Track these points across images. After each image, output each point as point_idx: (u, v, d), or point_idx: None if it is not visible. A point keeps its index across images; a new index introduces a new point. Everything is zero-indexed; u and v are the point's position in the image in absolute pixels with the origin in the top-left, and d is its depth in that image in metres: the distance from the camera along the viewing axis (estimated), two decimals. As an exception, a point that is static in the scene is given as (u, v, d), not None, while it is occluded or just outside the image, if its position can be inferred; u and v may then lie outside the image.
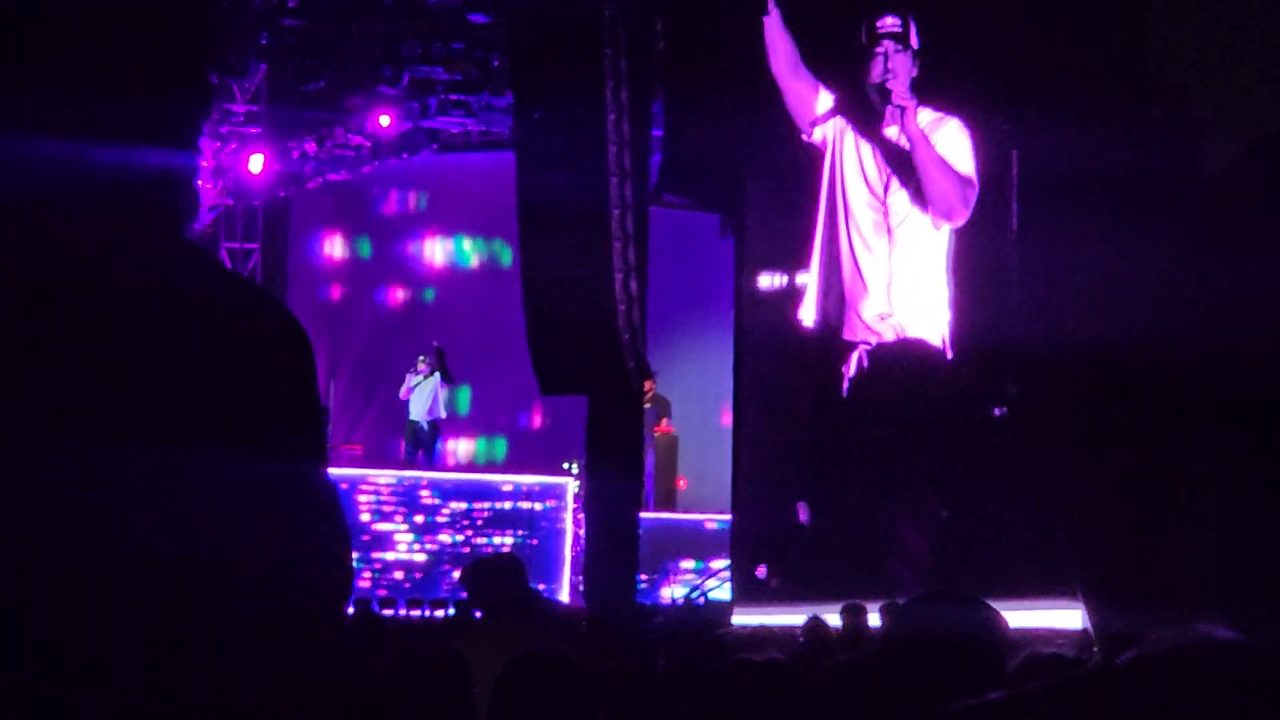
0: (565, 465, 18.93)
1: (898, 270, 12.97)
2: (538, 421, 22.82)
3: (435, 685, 4.43)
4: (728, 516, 18.41)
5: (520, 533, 17.97)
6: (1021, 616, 9.97)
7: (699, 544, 18.34)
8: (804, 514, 13.67)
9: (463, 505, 18.11)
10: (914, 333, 12.87)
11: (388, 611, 16.07)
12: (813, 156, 13.58)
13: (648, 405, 19.82)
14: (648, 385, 19.39)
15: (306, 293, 23.60)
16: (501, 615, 7.38)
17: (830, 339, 13.37)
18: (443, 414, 20.95)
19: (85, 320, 1.54)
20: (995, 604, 3.68)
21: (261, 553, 1.57)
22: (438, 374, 20.84)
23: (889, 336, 12.99)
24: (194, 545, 1.53)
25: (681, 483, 20.68)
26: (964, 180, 12.69)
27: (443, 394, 20.97)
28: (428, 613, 16.69)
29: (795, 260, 14.00)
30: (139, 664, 1.50)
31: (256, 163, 21.24)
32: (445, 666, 4.50)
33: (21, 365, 1.50)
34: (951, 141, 12.83)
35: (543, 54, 15.10)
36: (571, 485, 18.32)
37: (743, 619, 13.78)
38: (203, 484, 1.54)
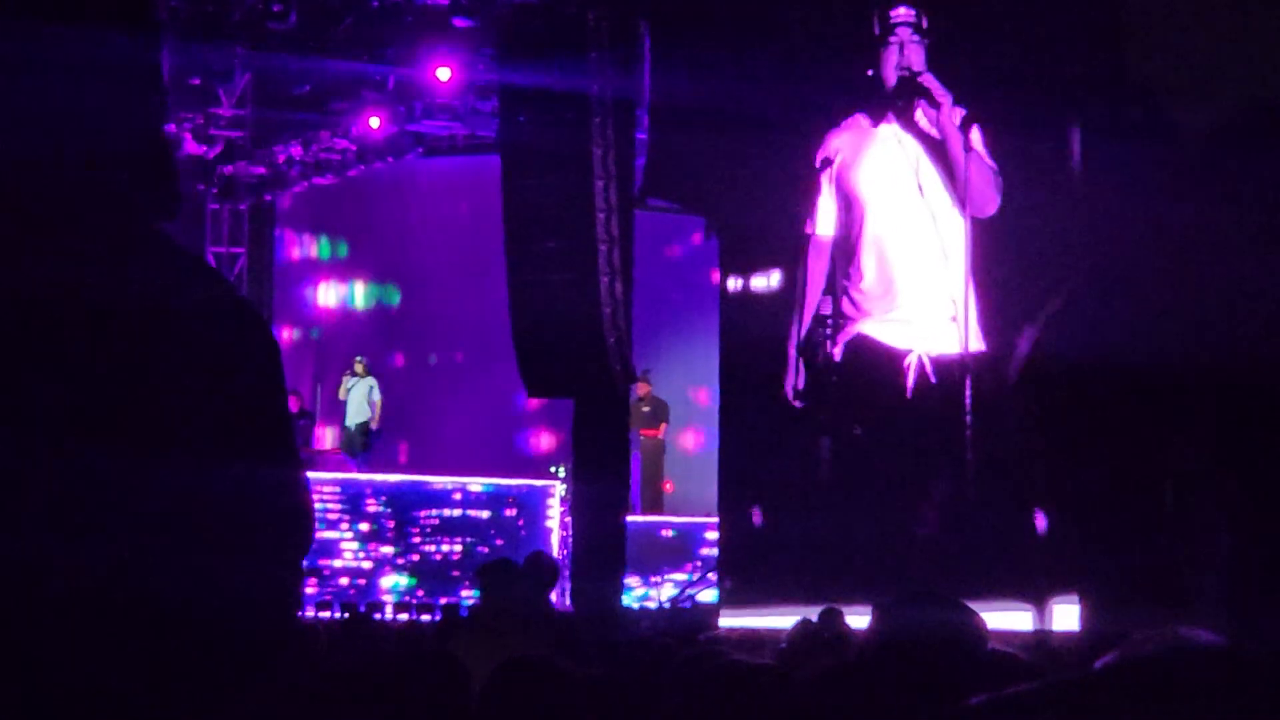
0: (552, 469, 18.89)
1: (953, 271, 12.57)
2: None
3: (430, 688, 4.42)
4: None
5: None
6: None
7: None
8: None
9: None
10: (973, 333, 12.52)
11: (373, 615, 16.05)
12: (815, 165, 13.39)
13: (645, 409, 19.83)
14: (643, 388, 19.37)
15: (293, 296, 23.60)
16: (499, 618, 7.37)
17: (866, 345, 13.06)
18: (375, 418, 20.79)
19: (47, 319, 1.52)
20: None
21: (212, 554, 1.55)
22: (371, 377, 20.76)
23: (954, 340, 12.54)
24: (144, 548, 1.51)
25: (669, 486, 20.68)
26: (994, 169, 12.40)
27: (378, 399, 20.84)
28: (416, 616, 16.66)
29: (780, 262, 14.00)
30: (99, 668, 1.49)
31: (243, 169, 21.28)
32: (440, 670, 4.49)
33: None
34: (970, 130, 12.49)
35: (528, 57, 15.11)
36: (559, 489, 18.26)
37: (729, 622, 13.78)
38: (151, 483, 1.52)
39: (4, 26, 1.55)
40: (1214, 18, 11.10)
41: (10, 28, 1.55)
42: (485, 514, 17.87)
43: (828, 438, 13.46)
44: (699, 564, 17.75)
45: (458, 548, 17.65)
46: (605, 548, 15.58)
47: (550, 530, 17.97)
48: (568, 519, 17.46)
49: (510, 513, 17.94)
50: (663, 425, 20.52)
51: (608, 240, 15.00)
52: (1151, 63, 11.70)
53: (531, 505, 18.11)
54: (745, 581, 14.13)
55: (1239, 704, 1.09)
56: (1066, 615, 11.57)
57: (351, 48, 18.63)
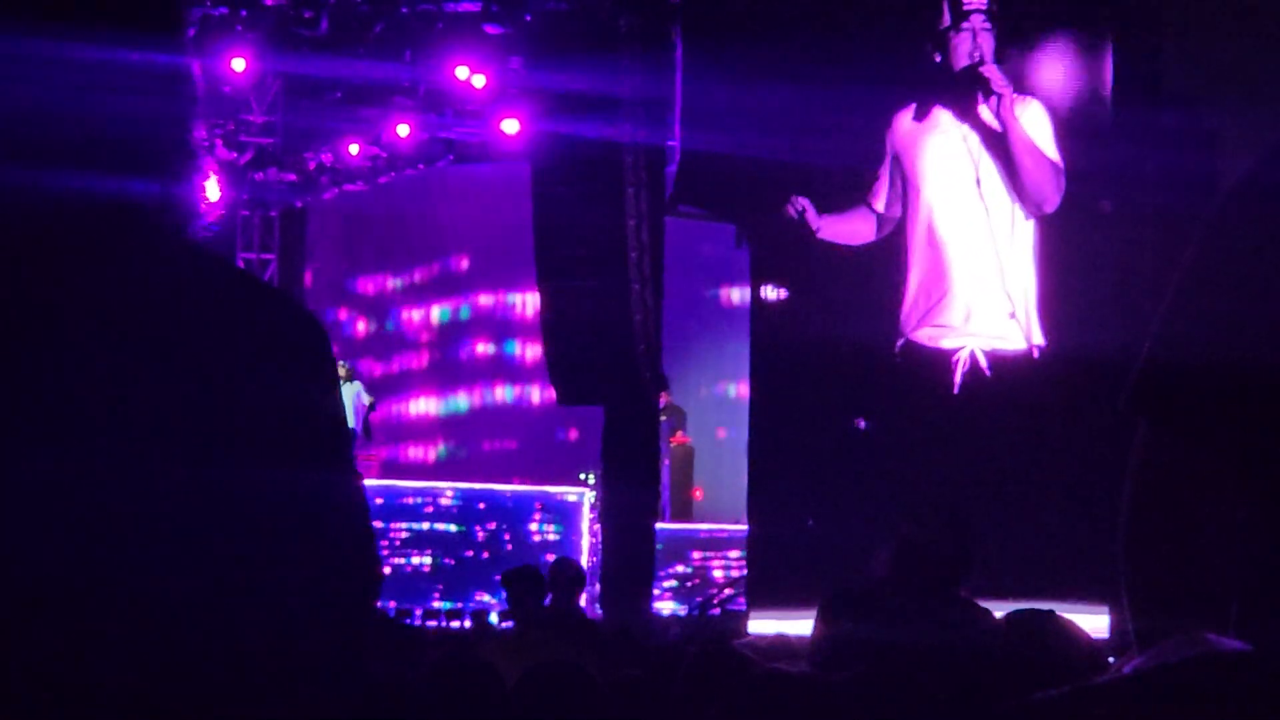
0: (581, 476, 18.87)
1: (1009, 267, 12.42)
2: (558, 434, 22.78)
3: (468, 696, 4.42)
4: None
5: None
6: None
7: None
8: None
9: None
10: (1034, 332, 12.40)
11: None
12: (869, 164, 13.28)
13: (663, 418, 19.82)
14: (663, 397, 19.37)
15: (324, 304, 23.65)
16: (532, 625, 7.39)
17: (913, 347, 12.98)
18: (359, 420, 20.65)
19: (88, 326, 1.52)
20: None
21: (286, 560, 1.56)
22: (357, 383, 20.59)
23: (1011, 338, 12.40)
24: (214, 557, 1.52)
25: (698, 493, 20.66)
26: (1055, 166, 12.24)
27: (368, 401, 20.66)
28: (442, 623, 16.66)
29: (811, 269, 13.97)
30: (161, 674, 1.49)
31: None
32: (478, 677, 4.49)
33: (22, 372, 1.49)
34: (1036, 123, 12.33)
35: (558, 63, 15.13)
36: (586, 496, 18.20)
37: (759, 628, 13.75)
38: (218, 492, 1.52)
39: (29, 29, 1.55)
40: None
41: (35, 30, 1.55)
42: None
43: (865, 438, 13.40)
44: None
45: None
46: (635, 555, 15.56)
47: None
48: (597, 526, 17.43)
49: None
50: (679, 432, 20.51)
51: (638, 247, 15.01)
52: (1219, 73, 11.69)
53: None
54: (774, 586, 14.10)
55: (1267, 710, 1.08)
56: (1096, 622, 11.55)
57: (382, 54, 18.67)
